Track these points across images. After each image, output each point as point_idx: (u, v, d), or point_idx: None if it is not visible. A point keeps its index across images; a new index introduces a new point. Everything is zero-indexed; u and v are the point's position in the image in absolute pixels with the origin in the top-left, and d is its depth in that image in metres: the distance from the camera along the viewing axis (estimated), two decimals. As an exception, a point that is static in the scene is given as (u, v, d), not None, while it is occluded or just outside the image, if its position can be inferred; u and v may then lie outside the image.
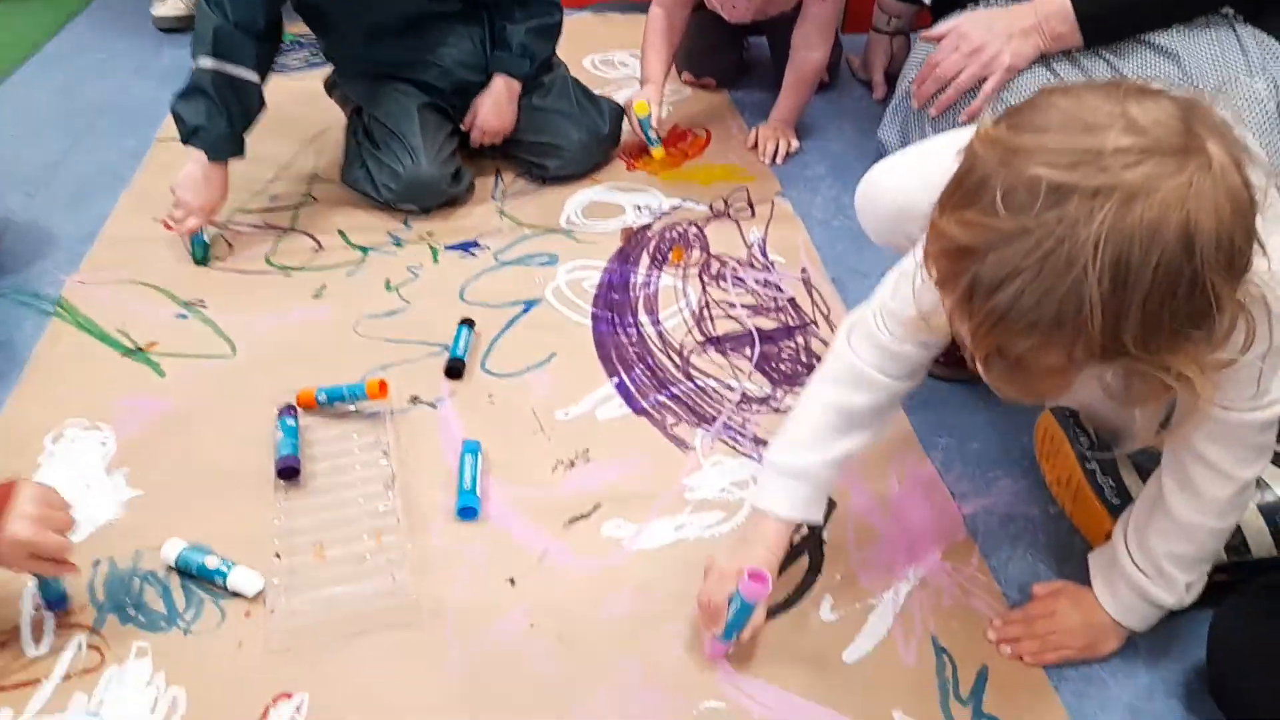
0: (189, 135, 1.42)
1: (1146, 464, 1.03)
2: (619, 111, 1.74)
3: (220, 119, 1.41)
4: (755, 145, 1.79)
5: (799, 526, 0.93)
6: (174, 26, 2.18)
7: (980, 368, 0.68)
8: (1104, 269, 0.57)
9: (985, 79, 1.45)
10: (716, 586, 0.90)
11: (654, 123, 1.71)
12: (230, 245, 1.50)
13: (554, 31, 1.65)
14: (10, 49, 2.08)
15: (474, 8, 1.61)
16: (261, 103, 1.47)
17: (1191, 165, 0.58)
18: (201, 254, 1.47)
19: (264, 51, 1.44)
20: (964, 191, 0.64)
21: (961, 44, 1.46)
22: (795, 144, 1.78)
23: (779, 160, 1.75)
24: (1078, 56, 1.32)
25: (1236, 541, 0.93)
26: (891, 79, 1.96)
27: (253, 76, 1.43)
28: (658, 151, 1.74)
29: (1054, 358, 0.62)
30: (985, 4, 1.57)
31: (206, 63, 1.39)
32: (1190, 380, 0.63)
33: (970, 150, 0.65)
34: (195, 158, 1.43)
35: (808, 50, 1.75)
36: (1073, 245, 0.58)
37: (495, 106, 1.61)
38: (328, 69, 1.76)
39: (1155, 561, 0.86)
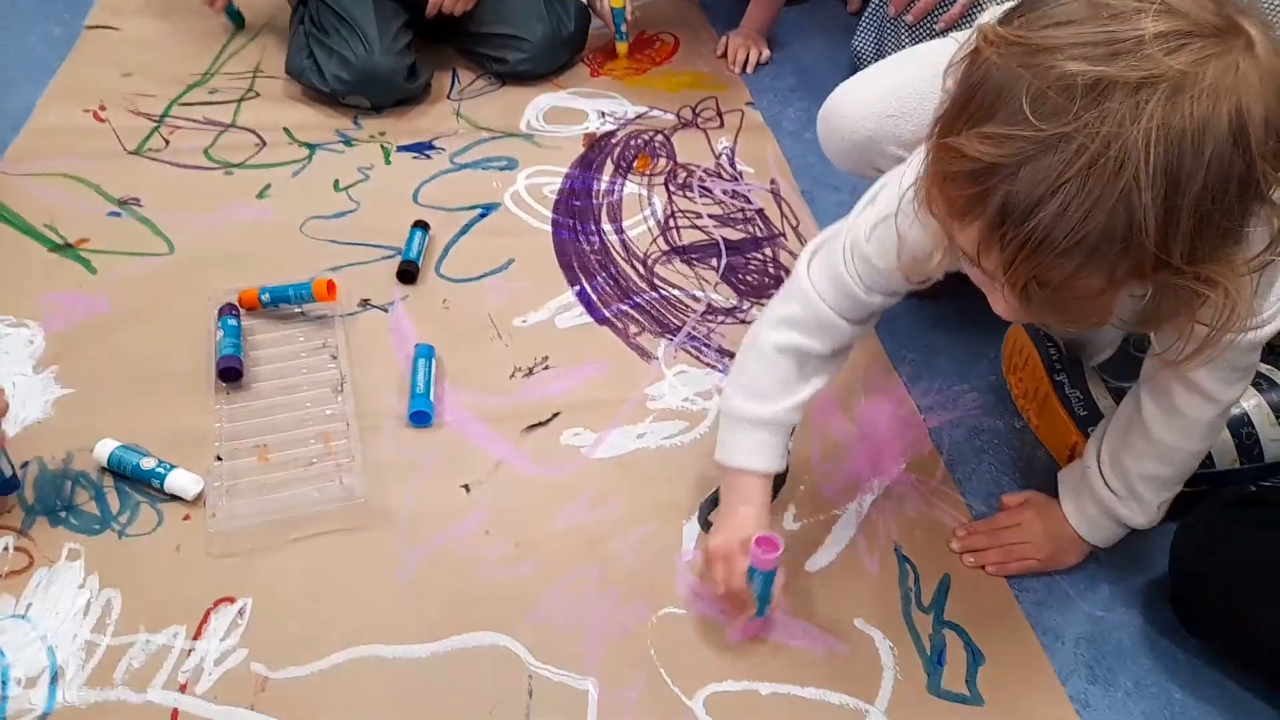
0: None
1: (1115, 379, 1.02)
2: (585, 13, 1.66)
3: None
4: (725, 54, 1.72)
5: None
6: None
7: (1007, 302, 0.61)
8: (1156, 171, 0.51)
9: None
10: (729, 572, 0.83)
11: (627, 15, 1.63)
12: (166, 140, 1.41)
13: None
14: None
15: None
16: None
17: (1235, 46, 0.53)
18: (240, 20, 1.65)
19: None
20: (978, 104, 0.57)
21: None
22: (766, 54, 1.72)
23: (749, 70, 1.69)
24: None
25: (1201, 454, 0.93)
26: (866, -10, 1.89)
27: None
28: (622, 47, 1.66)
29: (1095, 280, 0.56)
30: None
31: None
32: (1225, 289, 0.57)
33: (977, 58, 0.58)
34: None
35: None
36: (1121, 147, 0.51)
37: None
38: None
39: (1128, 482, 0.85)
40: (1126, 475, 0.85)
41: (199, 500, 0.93)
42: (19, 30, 1.63)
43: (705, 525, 0.94)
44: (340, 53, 1.44)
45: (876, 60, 1.61)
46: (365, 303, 1.17)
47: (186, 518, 0.92)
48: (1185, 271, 0.56)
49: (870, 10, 1.57)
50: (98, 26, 1.65)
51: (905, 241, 0.75)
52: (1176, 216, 0.53)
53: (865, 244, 0.80)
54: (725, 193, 1.40)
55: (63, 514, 0.91)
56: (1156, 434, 0.82)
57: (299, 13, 1.55)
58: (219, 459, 0.96)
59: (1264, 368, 0.96)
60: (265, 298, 1.12)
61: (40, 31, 1.63)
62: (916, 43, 1.46)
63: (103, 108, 1.46)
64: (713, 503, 0.94)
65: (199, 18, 1.66)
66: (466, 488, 0.97)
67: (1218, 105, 0.51)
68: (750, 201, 1.38)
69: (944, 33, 1.42)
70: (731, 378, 0.89)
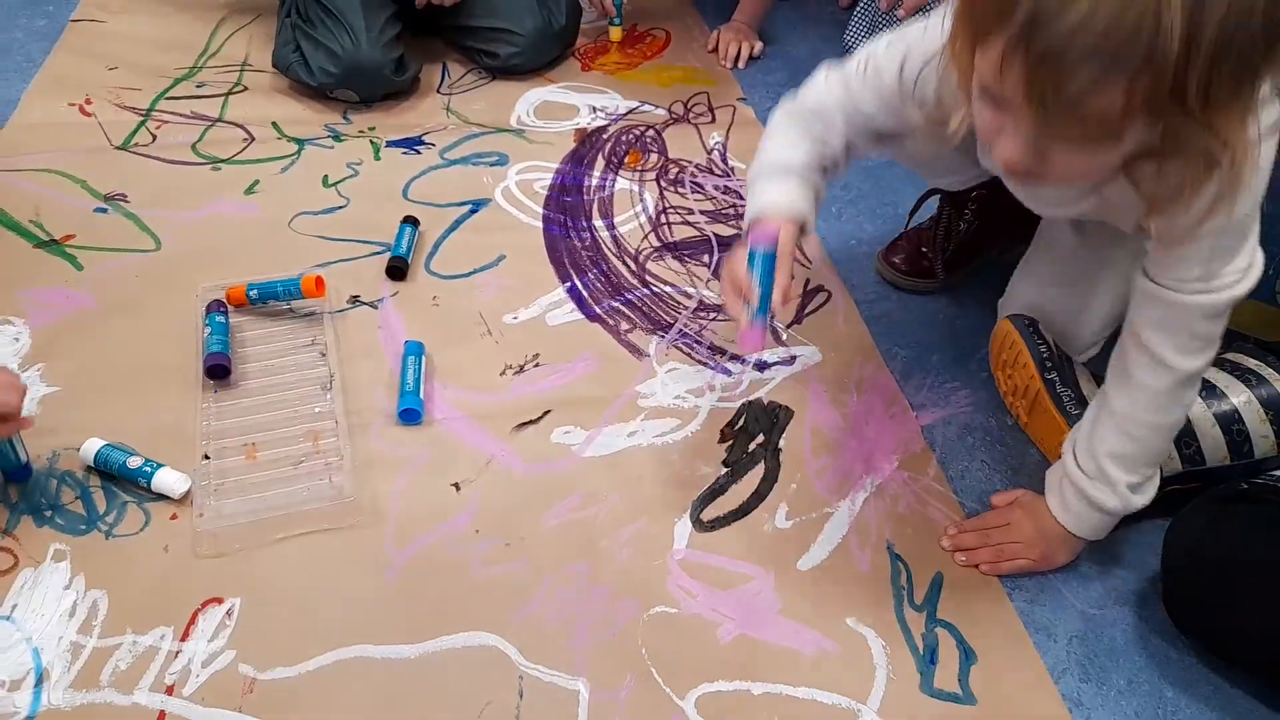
0: None
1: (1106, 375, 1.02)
2: (576, 6, 1.65)
3: None
4: (716, 48, 1.71)
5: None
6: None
7: (1018, 128, 0.64)
8: None
9: None
10: (734, 266, 0.86)
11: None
12: (154, 135, 1.40)
13: None
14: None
15: None
16: None
17: None
18: None
19: None
20: None
21: None
22: (759, 46, 1.71)
23: (741, 64, 1.68)
24: None
25: (1192, 451, 0.93)
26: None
27: None
28: (616, 32, 1.66)
29: (1114, 97, 0.58)
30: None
31: None
32: (1233, 151, 0.59)
33: None
34: None
35: None
36: None
37: None
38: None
39: (1097, 461, 0.86)
40: (1095, 453, 0.86)
41: (186, 499, 0.92)
42: (3, 24, 1.62)
43: (698, 524, 0.93)
44: (327, 45, 1.43)
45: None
46: (354, 299, 1.16)
47: (174, 517, 0.91)
48: (1197, 117, 0.58)
49: (862, 5, 1.56)
50: (83, 20, 1.64)
51: (925, 89, 0.81)
52: (1199, 36, 0.55)
53: (881, 55, 0.86)
54: (717, 189, 1.39)
55: (48, 513, 0.90)
56: (1115, 404, 0.83)
57: (286, 4, 1.53)
58: (206, 457, 0.95)
59: (1252, 363, 0.96)
60: (253, 294, 1.11)
61: (24, 24, 1.62)
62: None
63: (89, 101, 1.44)
64: (704, 501, 0.94)
65: (185, 11, 1.65)
66: (456, 486, 0.96)
67: None
68: (742, 198, 1.38)
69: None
70: (751, 166, 0.95)
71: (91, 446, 0.93)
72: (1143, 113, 0.59)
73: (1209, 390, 0.94)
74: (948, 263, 1.21)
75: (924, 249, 1.23)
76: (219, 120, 1.44)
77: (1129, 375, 0.82)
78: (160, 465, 0.93)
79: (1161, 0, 0.54)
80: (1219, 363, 0.96)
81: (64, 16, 1.65)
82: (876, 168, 1.43)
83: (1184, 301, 0.77)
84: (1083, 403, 0.99)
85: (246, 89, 1.51)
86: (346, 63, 1.42)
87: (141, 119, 1.42)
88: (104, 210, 1.26)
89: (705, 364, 1.12)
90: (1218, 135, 0.59)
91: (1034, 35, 0.58)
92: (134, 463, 0.92)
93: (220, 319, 1.07)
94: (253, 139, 1.41)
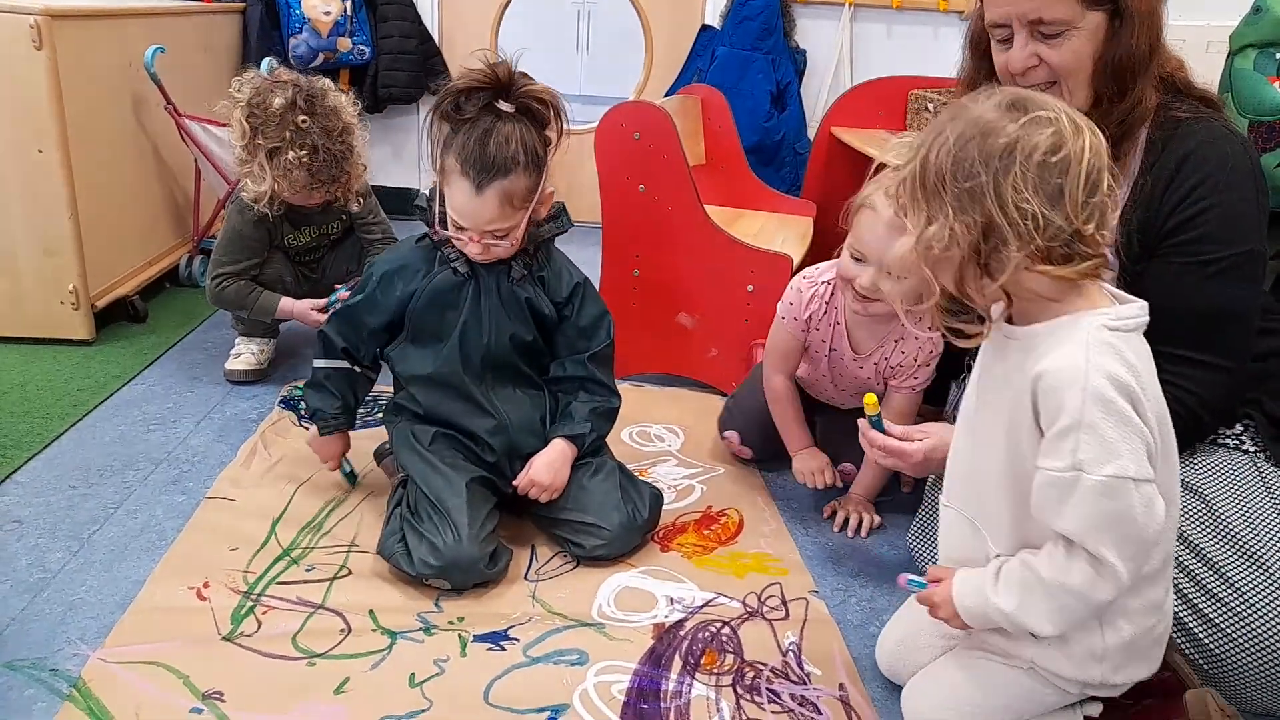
0: (311, 415, 1.80)
1: None
2: (659, 496, 1.79)
3: (334, 402, 1.77)
4: (838, 525, 1.85)
5: None
6: (244, 380, 2.32)
7: None
8: None
9: None
10: None
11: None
12: (259, 622, 1.49)
13: (613, 415, 1.77)
14: (86, 394, 2.21)
15: (542, 384, 1.76)
16: (369, 383, 1.82)
17: None
18: (354, 479, 1.88)
19: (368, 355, 1.78)
20: None
21: None
22: (877, 520, 1.85)
23: (863, 534, 1.83)
24: None
25: None
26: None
27: (357, 369, 1.78)
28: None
29: None
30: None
31: (322, 363, 1.76)
32: None
33: None
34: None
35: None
36: None
37: (550, 465, 1.68)
38: (381, 433, 1.84)
39: None
40: None
41: None
42: (148, 500, 1.80)
43: None
44: (430, 539, 1.56)
45: (933, 562, 1.67)
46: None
47: None
48: None
49: (921, 515, 1.66)
50: (217, 498, 1.82)
51: None
52: None
53: None
54: (793, 698, 1.39)
55: None
56: None
57: (398, 493, 1.70)
58: None
59: None
60: (329, 825, 1.11)
61: (165, 501, 1.81)
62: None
63: (206, 585, 1.56)
64: None
65: (306, 492, 1.83)
66: None
67: None
68: (820, 710, 1.37)
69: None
70: None
71: None
72: None
73: None
74: None
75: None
76: (321, 607, 1.53)
77: None
78: None
79: None
80: None
81: (200, 493, 1.84)
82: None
83: None
84: None
85: (350, 572, 1.62)
86: (447, 557, 1.54)
87: (251, 605, 1.52)
88: (199, 710, 1.31)
89: None
90: None
91: None
92: None
93: None
94: (349, 630, 1.48)
